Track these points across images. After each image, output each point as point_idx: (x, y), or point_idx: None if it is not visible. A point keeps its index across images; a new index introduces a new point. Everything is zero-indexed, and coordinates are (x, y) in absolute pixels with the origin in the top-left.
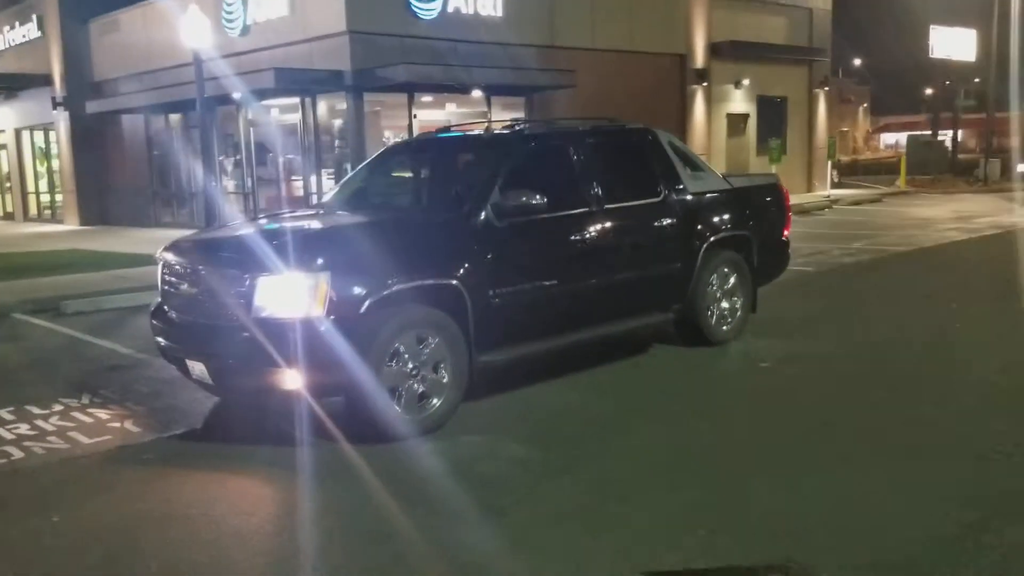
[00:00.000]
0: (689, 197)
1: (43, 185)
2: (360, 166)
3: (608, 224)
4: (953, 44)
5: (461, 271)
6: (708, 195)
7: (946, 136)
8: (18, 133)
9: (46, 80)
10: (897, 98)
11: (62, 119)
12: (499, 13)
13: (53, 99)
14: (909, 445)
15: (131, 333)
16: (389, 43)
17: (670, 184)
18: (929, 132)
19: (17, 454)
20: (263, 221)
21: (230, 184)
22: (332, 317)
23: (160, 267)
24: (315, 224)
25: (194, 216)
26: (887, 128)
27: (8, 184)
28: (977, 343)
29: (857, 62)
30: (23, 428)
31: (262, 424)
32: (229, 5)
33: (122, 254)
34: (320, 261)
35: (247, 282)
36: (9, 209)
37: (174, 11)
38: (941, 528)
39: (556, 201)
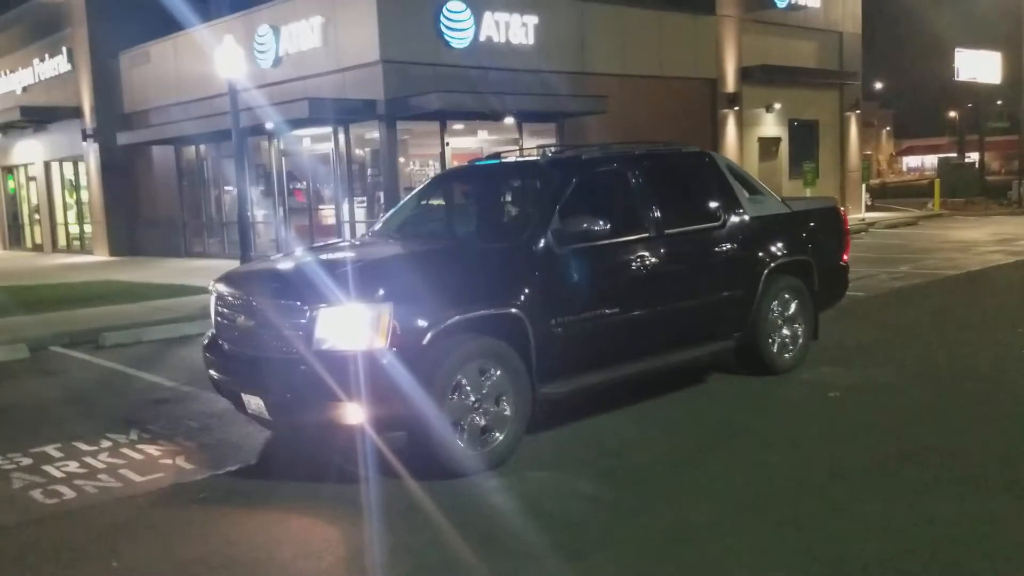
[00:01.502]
0: (749, 221)
1: (72, 216)
2: (410, 194)
3: (669, 250)
4: (978, 67)
5: (523, 299)
6: (768, 219)
7: (972, 158)
8: (47, 165)
9: (76, 112)
10: (919, 121)
11: (92, 151)
12: (530, 41)
13: (83, 131)
14: (999, 478)
15: (174, 365)
16: (421, 72)
17: (729, 208)
18: (953, 155)
19: (69, 493)
20: (318, 251)
21: (259, 214)
22: (395, 349)
23: (213, 299)
24: (373, 254)
25: (225, 246)
26: (910, 151)
27: (37, 216)
28: None
29: (879, 85)
30: (72, 466)
31: (318, 460)
32: (261, 37)
33: (156, 285)
34: (382, 292)
35: (308, 314)
36: (38, 241)
37: (205, 43)
38: None
39: (616, 227)
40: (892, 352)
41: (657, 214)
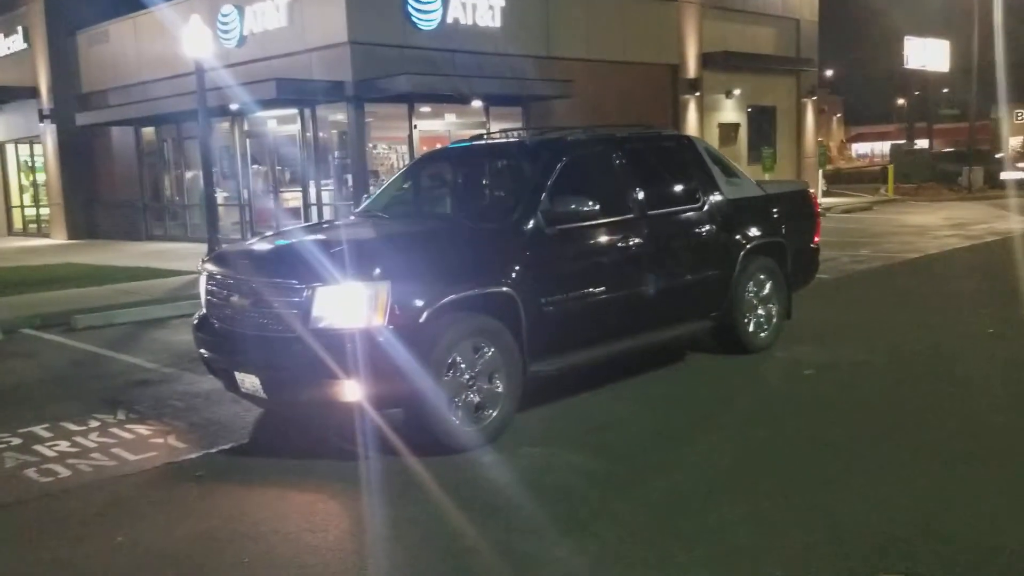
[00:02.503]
0: (726, 204)
1: (28, 199)
2: (395, 175)
3: (652, 231)
4: (928, 55)
5: (514, 278)
6: (744, 202)
7: (920, 145)
8: (2, 146)
9: (32, 92)
10: (868, 108)
11: (49, 131)
12: (497, 24)
13: (40, 111)
14: (981, 450)
15: (151, 347)
16: (388, 53)
17: (708, 191)
18: (902, 141)
19: (63, 472)
20: (310, 231)
21: (221, 196)
22: (392, 327)
23: (204, 278)
24: (367, 233)
25: (187, 229)
26: (860, 138)
27: None
28: (1016, 347)
29: (829, 72)
30: (63, 445)
31: (310, 438)
32: (225, 16)
33: (120, 268)
34: (379, 271)
35: (304, 293)
36: None
37: (166, 22)
38: None
39: (602, 208)
40: (861, 331)
41: (640, 196)
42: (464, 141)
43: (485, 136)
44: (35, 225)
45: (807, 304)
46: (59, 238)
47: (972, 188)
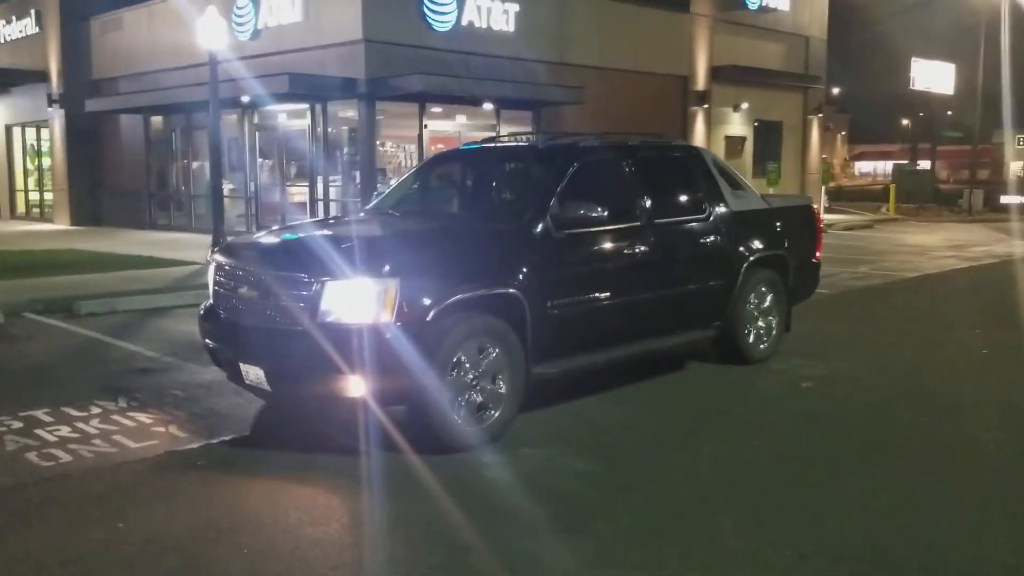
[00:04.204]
0: (731, 215)
1: (32, 183)
2: (407, 174)
3: (657, 239)
4: (933, 77)
5: (521, 280)
6: (748, 214)
7: (923, 165)
8: (9, 129)
9: (42, 76)
10: (873, 127)
11: (57, 116)
12: (511, 28)
13: (49, 96)
14: (971, 466)
15: (153, 336)
16: (402, 53)
17: (714, 202)
18: (905, 161)
19: (65, 457)
20: (320, 225)
21: (227, 188)
22: (399, 324)
23: (212, 269)
24: (377, 230)
25: (192, 219)
26: (863, 156)
27: None
28: (1010, 368)
29: (836, 90)
30: (64, 430)
31: (311, 431)
32: (240, 8)
33: (124, 256)
34: (388, 267)
35: (313, 287)
36: None
37: (180, 12)
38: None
39: (610, 214)
40: (859, 347)
41: (648, 204)
42: (477, 143)
43: (497, 139)
44: (38, 210)
45: (807, 318)
46: (62, 224)
47: (972, 211)
